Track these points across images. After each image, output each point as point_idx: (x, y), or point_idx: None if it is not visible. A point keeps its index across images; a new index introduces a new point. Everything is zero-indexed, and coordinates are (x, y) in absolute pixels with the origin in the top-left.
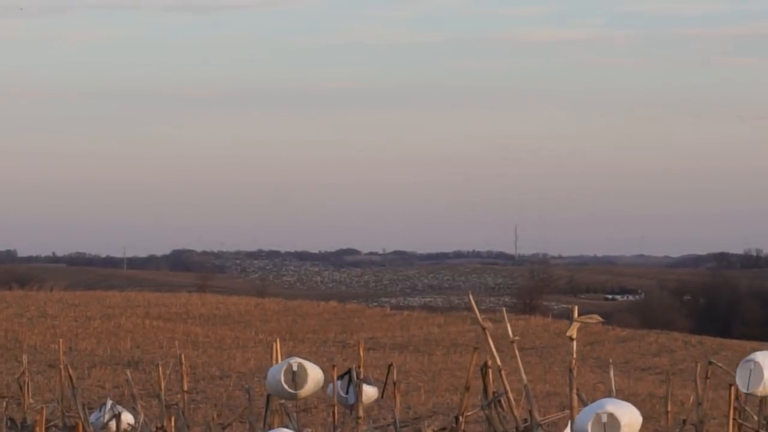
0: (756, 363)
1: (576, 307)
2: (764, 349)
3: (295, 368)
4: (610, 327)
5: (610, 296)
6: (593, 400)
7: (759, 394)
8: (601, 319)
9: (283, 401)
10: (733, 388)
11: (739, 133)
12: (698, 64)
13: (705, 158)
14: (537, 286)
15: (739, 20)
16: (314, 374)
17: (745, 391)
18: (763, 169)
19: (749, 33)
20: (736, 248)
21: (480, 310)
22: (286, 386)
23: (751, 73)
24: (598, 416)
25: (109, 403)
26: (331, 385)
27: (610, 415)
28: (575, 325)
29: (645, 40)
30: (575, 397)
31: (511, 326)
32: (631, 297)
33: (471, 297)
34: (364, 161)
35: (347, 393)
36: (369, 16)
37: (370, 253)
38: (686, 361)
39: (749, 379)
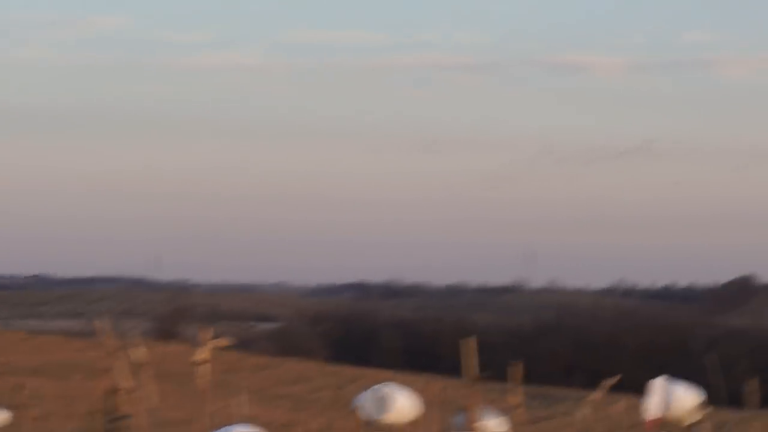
0: (387, 392)
1: (205, 331)
2: (402, 378)
3: None
4: (248, 354)
5: (250, 324)
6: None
7: (386, 422)
8: (229, 342)
9: None
10: (358, 415)
11: (379, 161)
12: (359, 93)
13: (343, 186)
14: (177, 312)
15: (404, 51)
16: None
17: (375, 417)
18: (403, 200)
19: (417, 63)
20: (376, 277)
21: (119, 336)
22: None
23: (419, 103)
24: None
25: None
26: None
27: None
28: (205, 349)
29: (302, 68)
30: (209, 424)
31: (150, 353)
32: (270, 325)
33: (106, 322)
34: (15, 183)
35: None
36: (37, 38)
37: (7, 276)
38: (323, 389)
39: (378, 407)
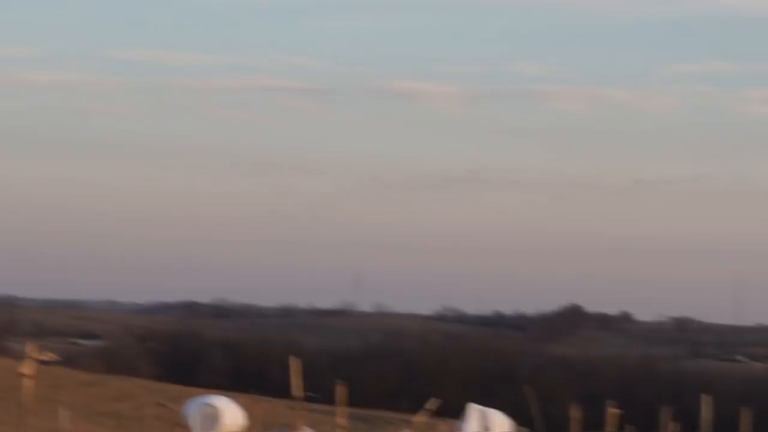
0: (214, 407)
1: (31, 344)
2: (228, 396)
3: None
4: (74, 371)
5: (76, 340)
6: None
7: None
8: (54, 356)
9: None
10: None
11: (209, 182)
12: (188, 113)
13: (174, 205)
14: (1, 327)
15: (234, 72)
16: None
17: None
18: (233, 221)
19: (247, 85)
20: (206, 298)
21: None
22: None
23: (249, 125)
24: None
25: None
26: None
27: None
28: (29, 362)
29: (136, 86)
30: None
31: None
32: (98, 342)
33: None
34: None
35: None
36: None
37: None
38: (147, 406)
39: (203, 422)
